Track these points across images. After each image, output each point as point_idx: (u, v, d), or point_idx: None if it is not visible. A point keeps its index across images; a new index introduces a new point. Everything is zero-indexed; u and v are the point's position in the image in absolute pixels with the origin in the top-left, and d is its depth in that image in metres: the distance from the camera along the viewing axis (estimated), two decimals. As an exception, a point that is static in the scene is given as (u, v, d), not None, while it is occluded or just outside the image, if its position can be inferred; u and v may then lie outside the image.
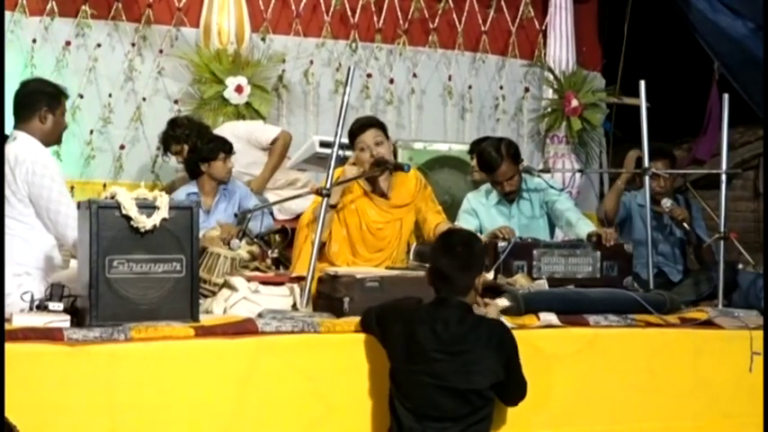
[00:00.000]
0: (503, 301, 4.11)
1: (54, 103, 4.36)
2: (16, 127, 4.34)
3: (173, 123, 6.27)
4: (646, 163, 5.24)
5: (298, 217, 5.34)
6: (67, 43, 6.79)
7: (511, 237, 4.76)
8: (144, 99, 6.96)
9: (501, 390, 3.69)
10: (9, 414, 2.73)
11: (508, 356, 3.66)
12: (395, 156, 5.11)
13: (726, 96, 5.20)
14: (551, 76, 7.79)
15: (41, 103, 4.32)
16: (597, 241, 4.84)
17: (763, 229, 5.17)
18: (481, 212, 5.38)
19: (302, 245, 4.78)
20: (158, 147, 6.40)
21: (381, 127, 4.96)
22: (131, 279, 3.74)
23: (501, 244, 4.61)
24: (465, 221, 5.28)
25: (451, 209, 5.60)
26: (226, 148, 5.79)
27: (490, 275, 4.46)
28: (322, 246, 4.52)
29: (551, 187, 5.42)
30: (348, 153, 5.00)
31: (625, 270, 4.79)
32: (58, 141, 4.55)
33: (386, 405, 3.81)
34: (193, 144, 5.92)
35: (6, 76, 6.40)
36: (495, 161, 5.24)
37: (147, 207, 3.76)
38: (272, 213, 6.02)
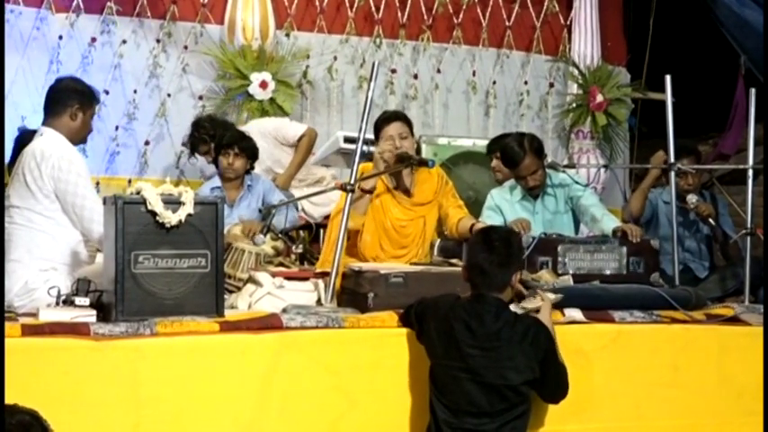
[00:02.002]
0: (553, 295, 4.07)
1: (86, 103, 4.38)
2: (45, 123, 4.37)
3: (196, 125, 6.28)
4: (671, 158, 5.21)
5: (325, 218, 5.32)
6: (93, 40, 6.82)
7: (527, 230, 4.75)
8: (168, 95, 6.98)
9: (539, 386, 3.69)
10: (36, 407, 2.74)
11: (544, 353, 3.65)
12: (418, 152, 5.11)
13: (753, 91, 5.15)
14: (576, 72, 7.76)
15: (74, 100, 4.34)
16: (623, 237, 4.81)
17: (764, 228, 5.12)
18: (505, 209, 5.36)
19: (337, 234, 4.74)
20: (184, 144, 6.41)
21: (407, 122, 4.96)
22: (157, 274, 3.75)
23: (525, 239, 4.59)
24: (489, 218, 5.25)
25: (475, 205, 5.57)
26: (223, 143, 5.71)
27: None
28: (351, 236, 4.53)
29: (576, 183, 5.40)
30: (372, 149, 4.99)
31: (652, 266, 4.74)
32: (83, 141, 4.57)
33: (409, 400, 3.82)
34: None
35: (32, 72, 6.54)
36: (518, 155, 5.24)
37: (173, 202, 3.78)
38: (296, 208, 6.01)
